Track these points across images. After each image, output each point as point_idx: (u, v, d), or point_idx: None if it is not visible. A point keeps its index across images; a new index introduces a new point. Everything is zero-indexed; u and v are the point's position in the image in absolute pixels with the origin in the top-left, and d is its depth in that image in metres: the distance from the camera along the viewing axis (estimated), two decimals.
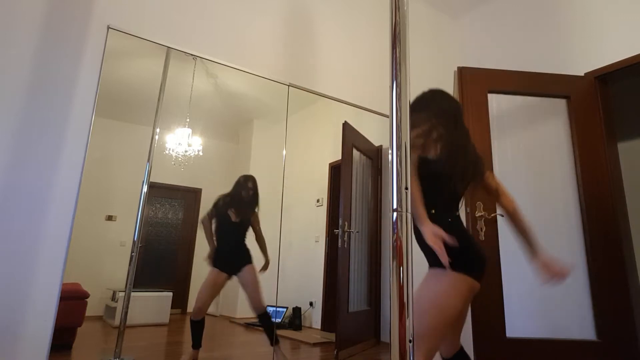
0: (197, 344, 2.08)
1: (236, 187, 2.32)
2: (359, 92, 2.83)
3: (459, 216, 1.51)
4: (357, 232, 2.79)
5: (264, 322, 2.23)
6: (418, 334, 1.33)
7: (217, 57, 2.28)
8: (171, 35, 2.15)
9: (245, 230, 2.30)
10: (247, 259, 2.27)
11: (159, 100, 2.09)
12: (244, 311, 2.29)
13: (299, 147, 2.56)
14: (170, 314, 2.07)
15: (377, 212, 2.96)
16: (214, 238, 2.21)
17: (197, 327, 2.10)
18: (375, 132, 2.97)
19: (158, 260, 2.07)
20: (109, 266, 1.90)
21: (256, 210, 2.35)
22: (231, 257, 2.24)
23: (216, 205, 2.24)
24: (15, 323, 1.57)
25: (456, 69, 2.68)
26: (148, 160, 2.01)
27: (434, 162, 1.48)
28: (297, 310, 2.52)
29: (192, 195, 2.26)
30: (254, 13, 2.48)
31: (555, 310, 2.36)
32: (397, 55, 0.74)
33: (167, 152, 2.12)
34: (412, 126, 1.48)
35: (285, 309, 2.41)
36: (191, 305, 2.15)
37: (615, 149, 2.57)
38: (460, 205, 1.54)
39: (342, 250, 2.61)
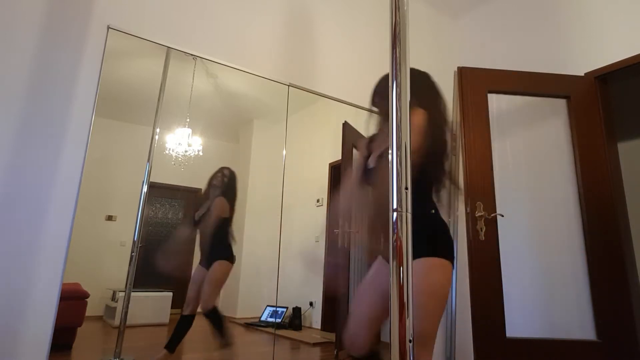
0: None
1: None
2: (359, 92, 2.83)
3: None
4: (357, 232, 2.79)
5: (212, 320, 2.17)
6: (426, 332, 1.28)
7: (217, 57, 2.28)
8: (171, 35, 2.15)
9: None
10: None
11: (159, 100, 2.09)
12: (244, 311, 2.29)
13: (299, 147, 2.56)
14: (170, 314, 2.07)
15: None
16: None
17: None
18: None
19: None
20: (109, 266, 1.90)
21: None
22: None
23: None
24: (15, 323, 1.57)
25: (456, 69, 2.68)
26: (148, 160, 2.01)
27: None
28: (297, 310, 2.52)
29: (192, 195, 2.26)
30: (254, 13, 2.48)
31: (555, 310, 2.36)
32: (397, 55, 0.74)
33: (167, 152, 2.12)
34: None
35: (285, 309, 2.41)
36: None
37: (615, 149, 2.57)
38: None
39: (342, 250, 2.61)
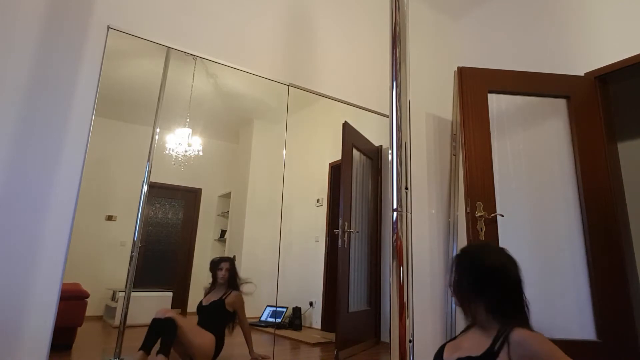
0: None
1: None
2: (359, 92, 2.83)
3: None
4: (357, 232, 2.79)
5: None
6: None
7: (217, 57, 2.28)
8: (171, 35, 2.15)
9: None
10: None
11: (159, 100, 2.09)
12: (245, 311, 2.29)
13: (299, 147, 2.56)
14: None
15: (377, 212, 2.96)
16: None
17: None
18: (375, 132, 2.97)
19: (158, 260, 2.07)
20: (109, 266, 1.90)
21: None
22: None
23: None
24: (15, 323, 1.57)
25: (456, 69, 2.68)
26: (148, 160, 2.01)
27: None
28: (297, 310, 2.52)
29: (192, 195, 2.26)
30: (254, 13, 2.48)
31: (555, 310, 2.36)
32: (397, 55, 0.74)
33: (167, 152, 2.12)
34: None
35: (285, 309, 2.41)
36: (191, 305, 2.15)
37: (615, 149, 2.57)
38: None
39: (342, 250, 2.61)
